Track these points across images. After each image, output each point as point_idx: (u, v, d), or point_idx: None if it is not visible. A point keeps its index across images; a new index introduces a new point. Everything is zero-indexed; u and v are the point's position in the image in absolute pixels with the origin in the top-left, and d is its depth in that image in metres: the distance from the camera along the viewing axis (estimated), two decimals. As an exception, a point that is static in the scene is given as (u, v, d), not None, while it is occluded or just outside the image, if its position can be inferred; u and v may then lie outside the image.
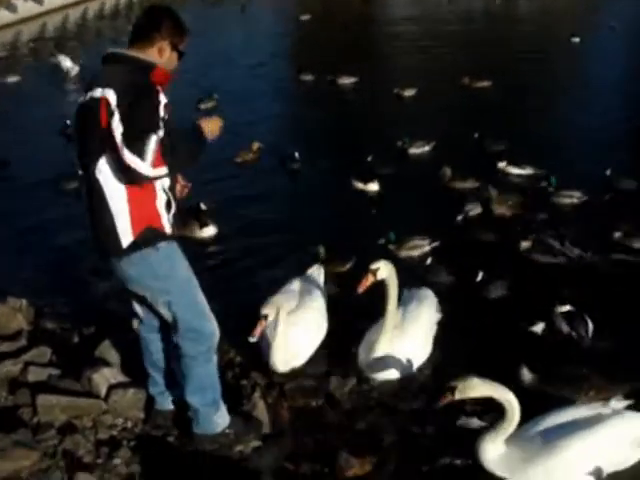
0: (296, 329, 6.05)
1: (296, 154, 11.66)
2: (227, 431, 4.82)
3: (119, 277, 4.46)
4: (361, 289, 5.90)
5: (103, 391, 5.24)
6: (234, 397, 5.36)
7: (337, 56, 19.47)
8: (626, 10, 24.75)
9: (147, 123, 3.96)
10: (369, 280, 5.86)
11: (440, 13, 27.23)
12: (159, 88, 4.12)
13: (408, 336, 6.12)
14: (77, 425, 4.97)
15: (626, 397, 5.57)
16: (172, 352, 4.73)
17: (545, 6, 28.00)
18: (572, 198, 9.84)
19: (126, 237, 4.16)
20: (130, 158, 3.92)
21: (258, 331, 5.63)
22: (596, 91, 16.17)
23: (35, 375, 5.47)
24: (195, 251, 7.13)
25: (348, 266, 8.08)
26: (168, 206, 4.27)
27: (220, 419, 4.79)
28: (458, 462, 4.97)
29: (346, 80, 17.03)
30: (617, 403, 5.46)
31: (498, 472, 4.72)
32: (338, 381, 5.91)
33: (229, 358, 6.19)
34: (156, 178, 4.10)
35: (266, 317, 5.71)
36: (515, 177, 10.87)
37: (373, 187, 10.49)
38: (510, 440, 4.73)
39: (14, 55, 23.42)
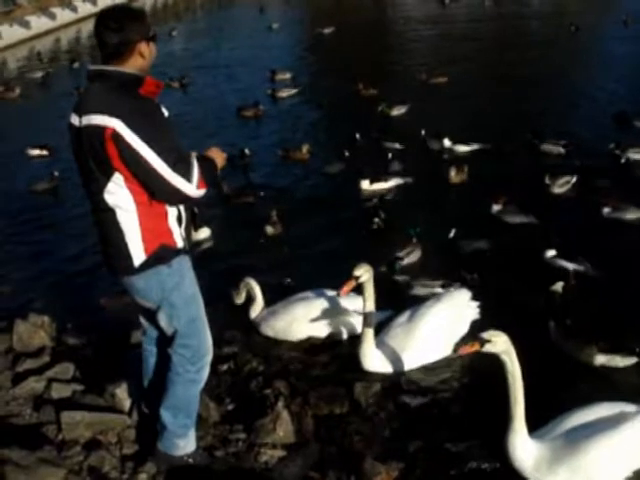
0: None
1: (246, 150, 12.47)
2: (185, 458, 4.64)
3: (127, 290, 4.43)
4: (343, 293, 6.12)
5: (127, 406, 5.23)
6: (257, 407, 5.35)
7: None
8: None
9: (173, 143, 3.95)
10: (352, 285, 6.00)
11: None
12: (156, 101, 4.07)
13: (409, 332, 6.29)
14: (102, 441, 4.96)
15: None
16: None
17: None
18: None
19: (138, 257, 4.13)
20: (179, 181, 3.91)
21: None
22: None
23: (59, 392, 5.47)
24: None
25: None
26: (179, 220, 4.23)
27: (184, 444, 4.62)
28: (486, 465, 4.93)
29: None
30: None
31: (527, 472, 4.69)
32: (362, 387, 5.88)
33: (252, 368, 6.19)
34: (201, 199, 4.10)
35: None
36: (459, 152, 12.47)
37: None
38: (538, 439, 4.72)
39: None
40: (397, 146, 12.85)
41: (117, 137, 3.83)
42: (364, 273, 6.00)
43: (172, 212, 4.17)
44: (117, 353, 6.14)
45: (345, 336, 6.91)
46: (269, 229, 9.81)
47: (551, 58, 19.29)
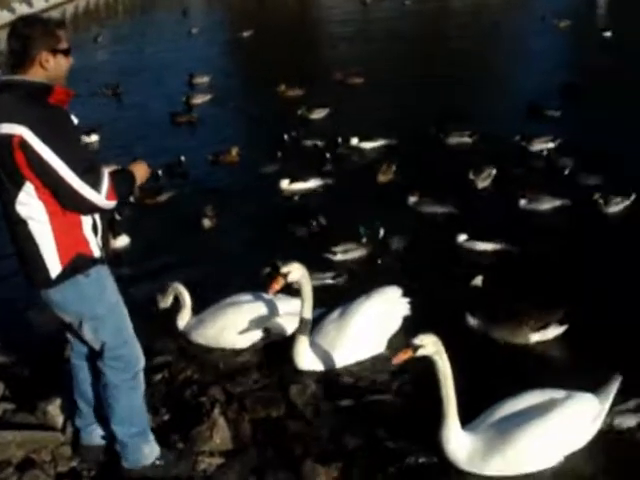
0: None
1: (182, 158, 12.48)
2: (157, 463, 4.63)
3: (47, 304, 4.34)
4: (271, 291, 6.08)
5: (60, 422, 5.15)
6: (193, 415, 5.32)
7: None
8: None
9: (83, 152, 3.95)
10: (280, 283, 5.98)
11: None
12: (66, 109, 4.02)
13: (341, 328, 6.34)
14: (36, 459, 4.86)
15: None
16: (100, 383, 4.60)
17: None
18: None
19: (54, 268, 4.07)
20: (87, 191, 3.88)
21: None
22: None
23: (-12, 412, 5.34)
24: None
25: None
26: (94, 229, 4.19)
27: (148, 449, 4.61)
28: (423, 460, 5.00)
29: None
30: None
31: (461, 464, 4.79)
32: (298, 388, 5.91)
33: (186, 376, 6.15)
34: (110, 209, 4.08)
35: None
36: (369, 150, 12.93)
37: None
38: (470, 430, 4.84)
39: None
40: (319, 146, 13.07)
41: (25, 145, 3.81)
42: (294, 271, 5.99)
43: (87, 221, 4.13)
44: (47, 369, 6.02)
45: (278, 338, 6.87)
46: (206, 222, 9.98)
47: (469, 54, 19.74)
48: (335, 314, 6.53)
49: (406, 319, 6.72)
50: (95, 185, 3.91)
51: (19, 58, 4.01)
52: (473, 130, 12.86)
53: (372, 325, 6.43)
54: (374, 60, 20.03)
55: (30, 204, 3.96)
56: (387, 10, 29.75)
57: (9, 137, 3.83)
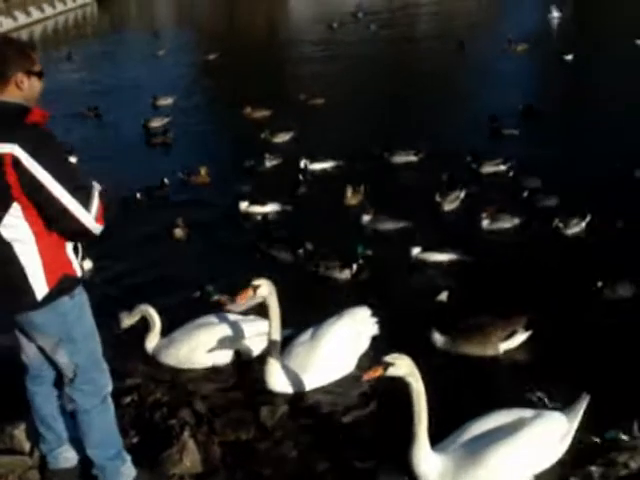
0: None
1: (165, 180, 12.69)
2: None
3: (23, 329, 4.26)
4: (239, 300, 6.21)
5: (27, 447, 5.08)
6: (163, 438, 5.29)
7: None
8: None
9: (73, 173, 3.91)
10: (249, 293, 6.03)
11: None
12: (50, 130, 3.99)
13: (312, 350, 6.36)
14: (2, 485, 4.81)
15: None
16: (62, 408, 4.55)
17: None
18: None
19: (41, 290, 4.01)
20: (79, 211, 3.86)
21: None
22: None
23: (-47, 437, 5.26)
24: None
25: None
26: (75, 250, 4.16)
27: (127, 470, 4.58)
28: (393, 480, 5.01)
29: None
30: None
31: None
32: (267, 410, 5.90)
33: (156, 398, 6.10)
34: (95, 235, 4.02)
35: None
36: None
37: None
38: (440, 450, 4.85)
39: None
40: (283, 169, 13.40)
41: (17, 163, 3.75)
42: (264, 286, 6.02)
43: (68, 243, 4.10)
44: (13, 392, 5.93)
45: (248, 358, 6.90)
46: (178, 232, 10.33)
47: (432, 76, 20.07)
48: (306, 335, 6.54)
49: (374, 338, 6.77)
50: (86, 205, 3.89)
51: None
52: (418, 149, 13.29)
53: (343, 346, 6.47)
54: (337, 82, 20.47)
55: (16, 226, 3.90)
56: (353, 34, 30.09)
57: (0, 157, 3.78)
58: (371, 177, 12.27)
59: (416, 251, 9.17)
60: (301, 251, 9.63)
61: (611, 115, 15.06)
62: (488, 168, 12.40)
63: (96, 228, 4.00)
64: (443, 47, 24.37)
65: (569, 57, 20.42)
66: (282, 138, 15.41)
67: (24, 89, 4.01)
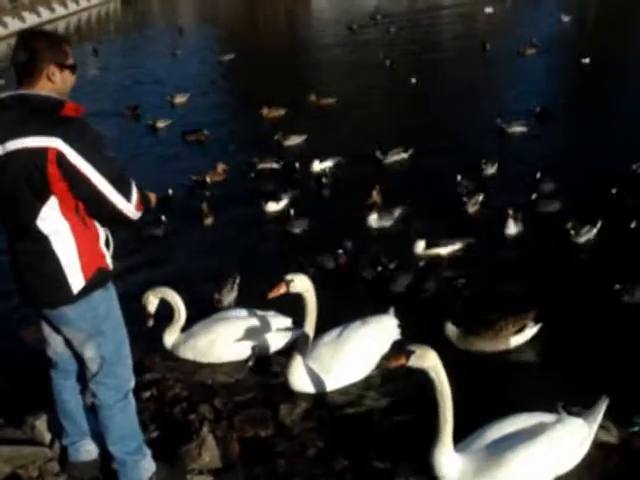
0: None
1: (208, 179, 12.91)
2: (153, 478, 4.59)
3: (51, 323, 4.28)
4: (271, 295, 5.96)
5: (47, 438, 5.11)
6: (182, 433, 5.30)
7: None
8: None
9: (114, 162, 3.94)
10: (281, 289, 5.91)
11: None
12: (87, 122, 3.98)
13: (336, 352, 6.31)
14: (22, 475, 4.81)
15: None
16: (85, 402, 4.59)
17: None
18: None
19: (77, 283, 4.01)
20: (120, 200, 3.91)
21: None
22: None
23: (-26, 427, 5.30)
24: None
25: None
26: (107, 244, 4.18)
27: (147, 465, 4.56)
28: (413, 480, 5.00)
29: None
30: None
31: None
32: (287, 408, 5.90)
33: (175, 393, 6.12)
34: (135, 221, 4.07)
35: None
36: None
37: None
38: (462, 451, 4.82)
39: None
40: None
41: (61, 158, 3.75)
42: (298, 281, 5.92)
43: (102, 235, 4.13)
44: (35, 384, 5.97)
45: (268, 354, 6.90)
46: (208, 220, 10.92)
47: (451, 77, 20.06)
48: (330, 337, 6.49)
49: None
50: (127, 194, 3.94)
51: (25, 69, 3.94)
52: (406, 146, 13.59)
53: (367, 351, 6.44)
54: (350, 83, 20.51)
55: (53, 219, 3.90)
56: (372, 36, 30.02)
57: (42, 150, 3.75)
58: (367, 174, 12.55)
59: (421, 246, 9.43)
60: (341, 251, 9.56)
61: (624, 117, 15.11)
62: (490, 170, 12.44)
63: (135, 215, 4.05)
64: (467, 49, 24.25)
65: (586, 60, 20.25)
66: (294, 141, 15.44)
67: (56, 82, 3.98)
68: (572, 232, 9.68)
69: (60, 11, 41.81)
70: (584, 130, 14.64)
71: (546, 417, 5.09)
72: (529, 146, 14.02)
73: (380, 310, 7.06)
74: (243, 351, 6.83)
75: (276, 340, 6.87)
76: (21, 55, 3.94)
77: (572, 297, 7.97)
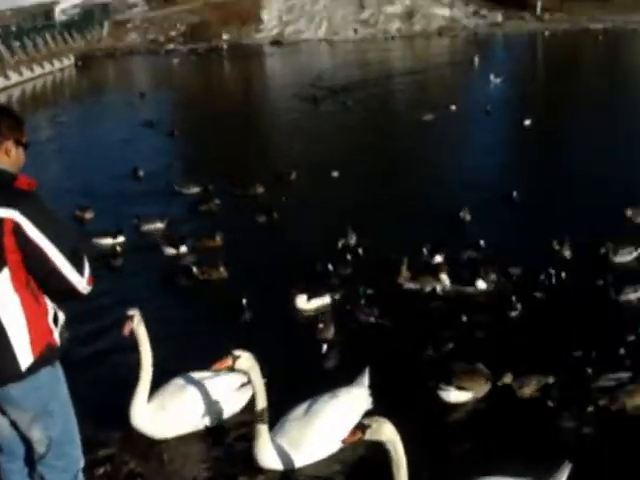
0: None
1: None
2: None
3: None
4: (215, 367, 5.80)
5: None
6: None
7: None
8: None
9: (69, 238, 3.97)
10: (227, 363, 5.71)
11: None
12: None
13: (305, 427, 6.06)
14: None
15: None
16: None
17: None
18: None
19: (26, 359, 3.92)
20: (73, 274, 3.91)
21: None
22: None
23: None
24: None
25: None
26: (55, 320, 4.12)
27: None
28: None
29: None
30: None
31: None
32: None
33: (129, 470, 5.87)
34: (83, 295, 4.07)
35: (132, 318, 5.98)
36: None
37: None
38: None
39: None
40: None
41: (17, 229, 3.79)
42: (243, 359, 5.72)
43: (50, 311, 4.08)
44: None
45: (225, 418, 6.62)
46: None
47: (403, 148, 19.80)
48: (299, 411, 6.23)
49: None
50: (80, 269, 3.97)
51: None
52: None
53: (337, 424, 6.14)
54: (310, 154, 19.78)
55: (3, 292, 3.86)
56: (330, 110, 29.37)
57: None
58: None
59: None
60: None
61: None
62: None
63: (87, 289, 4.07)
64: (419, 122, 24.02)
65: (527, 122, 20.52)
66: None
67: (12, 157, 4.10)
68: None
69: (15, 78, 41.71)
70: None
71: None
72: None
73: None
74: (203, 421, 6.52)
75: (230, 402, 6.64)
76: None
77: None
